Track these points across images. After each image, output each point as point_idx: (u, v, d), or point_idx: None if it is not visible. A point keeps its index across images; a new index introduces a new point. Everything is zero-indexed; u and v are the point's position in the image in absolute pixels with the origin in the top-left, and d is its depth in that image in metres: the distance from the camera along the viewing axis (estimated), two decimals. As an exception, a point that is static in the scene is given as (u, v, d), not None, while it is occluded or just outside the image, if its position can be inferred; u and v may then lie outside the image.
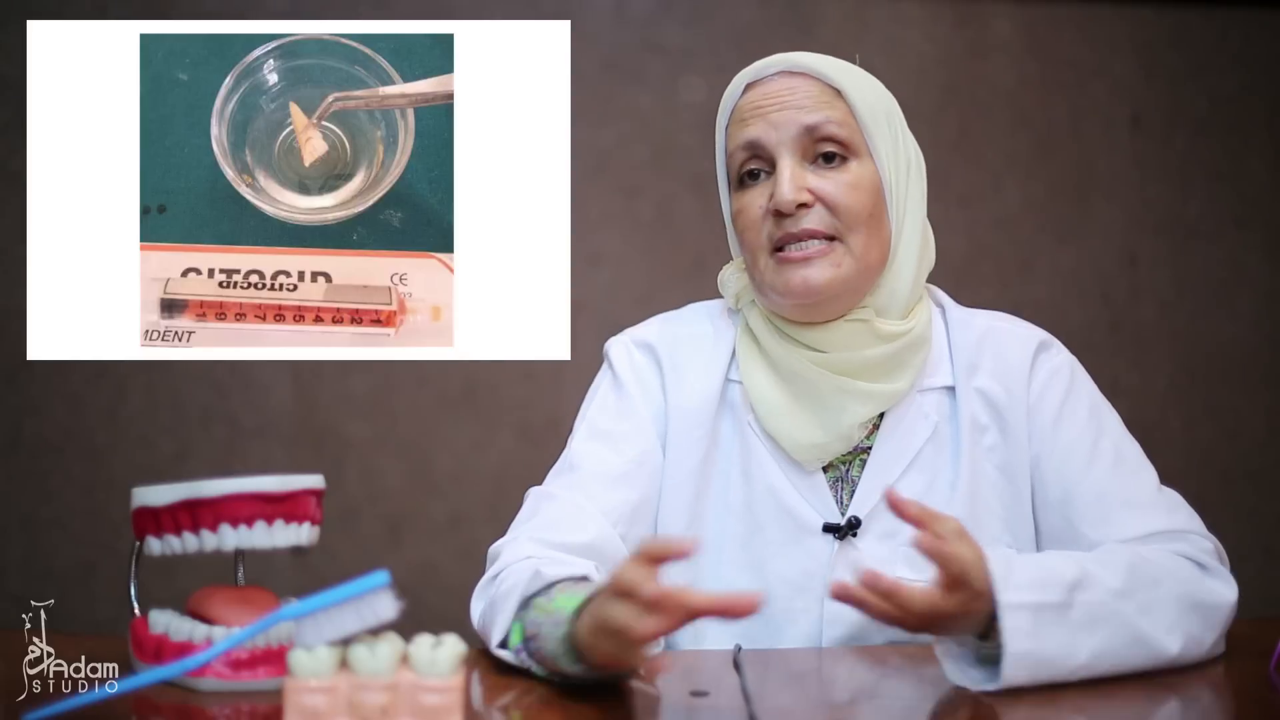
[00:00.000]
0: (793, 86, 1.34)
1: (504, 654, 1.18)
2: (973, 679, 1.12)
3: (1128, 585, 1.17)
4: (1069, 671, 1.12)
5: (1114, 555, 1.22)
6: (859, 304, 1.35)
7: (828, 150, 1.32)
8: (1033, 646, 1.10)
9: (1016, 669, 1.10)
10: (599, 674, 1.08)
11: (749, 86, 1.36)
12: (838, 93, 1.33)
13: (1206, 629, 1.21)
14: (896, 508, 1.10)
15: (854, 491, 1.35)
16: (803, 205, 1.31)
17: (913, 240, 1.36)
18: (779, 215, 1.31)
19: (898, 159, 1.35)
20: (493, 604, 1.21)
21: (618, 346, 1.44)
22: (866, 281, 1.34)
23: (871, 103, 1.35)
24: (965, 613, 1.10)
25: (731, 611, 0.99)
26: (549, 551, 1.26)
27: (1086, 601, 1.14)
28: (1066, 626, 1.13)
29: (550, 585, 1.17)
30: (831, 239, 1.31)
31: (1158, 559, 1.23)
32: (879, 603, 1.06)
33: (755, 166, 1.34)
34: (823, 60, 1.35)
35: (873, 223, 1.33)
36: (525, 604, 1.17)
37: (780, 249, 1.32)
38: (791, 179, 1.31)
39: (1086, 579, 1.16)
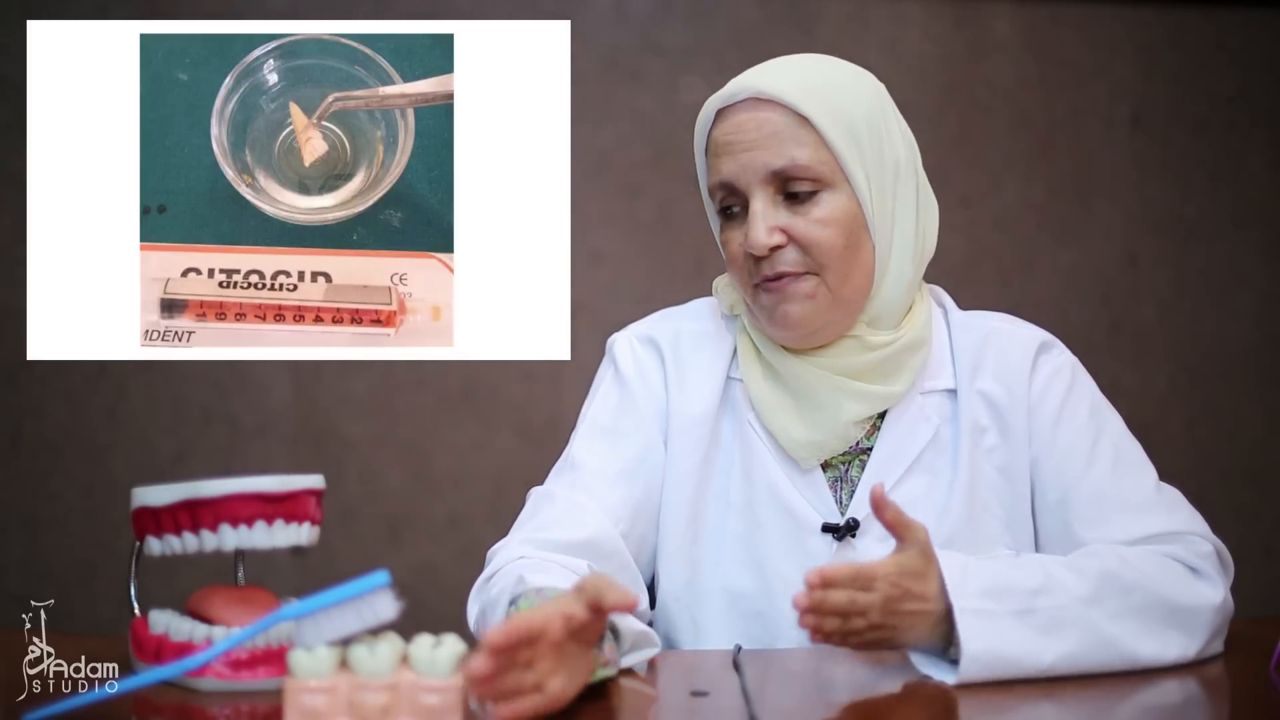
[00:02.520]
0: (760, 120, 1.30)
1: None
2: (940, 673, 1.14)
3: (1096, 592, 1.19)
4: (1036, 671, 1.15)
5: (1089, 561, 1.23)
6: (850, 326, 1.34)
7: (797, 189, 1.30)
8: (989, 646, 1.13)
9: (973, 666, 1.12)
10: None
11: (720, 114, 1.33)
12: (807, 119, 1.29)
13: (1188, 633, 1.21)
14: (878, 504, 1.14)
15: (854, 492, 1.35)
16: (776, 247, 1.30)
17: (904, 248, 1.34)
18: (755, 257, 1.31)
19: (883, 170, 1.32)
20: (484, 612, 1.22)
21: (621, 341, 1.43)
22: (850, 309, 1.33)
23: (847, 120, 1.30)
24: (911, 594, 1.13)
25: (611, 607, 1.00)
26: (542, 552, 1.26)
27: (1048, 606, 1.16)
28: (1028, 630, 1.15)
29: (526, 591, 1.16)
30: (809, 274, 1.31)
31: (1140, 563, 1.23)
32: (842, 593, 1.09)
33: (732, 203, 1.33)
34: (793, 81, 1.30)
35: (849, 253, 1.31)
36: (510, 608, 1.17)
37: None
38: (762, 222, 1.29)
39: (1050, 584, 1.18)
